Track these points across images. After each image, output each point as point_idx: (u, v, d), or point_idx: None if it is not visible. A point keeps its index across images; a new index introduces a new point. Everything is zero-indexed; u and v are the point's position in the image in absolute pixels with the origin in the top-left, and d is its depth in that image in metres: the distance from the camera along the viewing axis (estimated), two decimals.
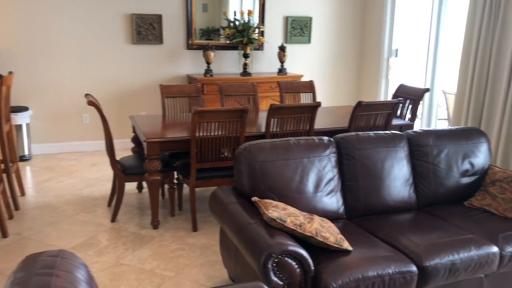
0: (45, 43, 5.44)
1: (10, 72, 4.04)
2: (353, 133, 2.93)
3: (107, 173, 4.94)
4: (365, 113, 3.84)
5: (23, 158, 5.37)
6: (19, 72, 5.39)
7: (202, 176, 3.57)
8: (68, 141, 5.78)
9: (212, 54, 5.88)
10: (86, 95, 3.75)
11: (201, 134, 3.42)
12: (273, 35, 6.44)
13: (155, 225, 3.63)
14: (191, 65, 6.13)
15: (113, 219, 3.76)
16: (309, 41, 6.63)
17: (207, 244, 3.39)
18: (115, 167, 3.68)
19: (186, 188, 4.27)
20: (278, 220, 2.22)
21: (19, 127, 5.29)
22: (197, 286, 2.84)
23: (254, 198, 2.49)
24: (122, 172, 3.70)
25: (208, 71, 5.91)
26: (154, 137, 3.47)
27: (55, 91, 5.59)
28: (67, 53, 5.55)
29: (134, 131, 4.24)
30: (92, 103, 3.52)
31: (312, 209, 2.63)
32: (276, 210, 2.28)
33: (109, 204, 4.08)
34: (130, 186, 4.48)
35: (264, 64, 6.47)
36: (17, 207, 3.94)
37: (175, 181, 3.90)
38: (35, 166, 5.19)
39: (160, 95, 4.53)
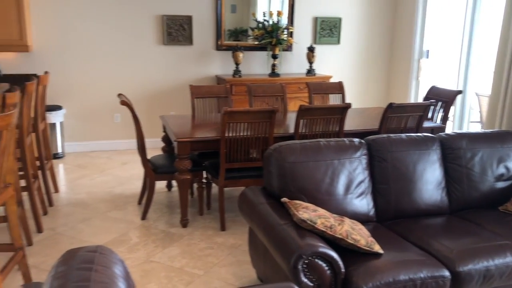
0: (79, 44, 5.58)
1: (46, 72, 4.16)
2: (384, 135, 2.90)
3: (138, 171, 5.03)
4: (396, 115, 3.79)
5: (56, 156, 5.52)
6: (54, 72, 5.55)
7: (231, 176, 3.59)
8: (99, 140, 5.90)
9: (241, 55, 5.91)
10: (119, 95, 3.82)
11: (230, 135, 3.45)
12: (302, 36, 6.42)
13: (184, 223, 3.68)
14: (220, 65, 6.18)
15: (144, 217, 3.83)
16: (338, 42, 6.58)
17: (236, 244, 3.41)
18: (147, 165, 3.75)
19: (214, 188, 4.30)
20: (309, 222, 2.21)
21: (53, 125, 5.44)
22: (226, 285, 2.86)
23: (284, 199, 2.50)
24: (153, 170, 3.76)
25: (236, 72, 5.94)
26: (184, 137, 3.52)
27: (88, 90, 5.72)
28: (100, 54, 5.68)
29: (164, 131, 4.30)
30: (125, 103, 3.59)
31: (342, 211, 2.61)
32: (307, 211, 2.27)
33: (140, 202, 4.15)
34: (160, 185, 4.54)
35: (293, 65, 6.46)
36: (51, 203, 4.05)
37: (204, 181, 3.93)
38: (68, 163, 5.33)
39: (190, 95, 4.58)
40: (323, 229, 2.21)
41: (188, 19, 5.90)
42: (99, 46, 5.66)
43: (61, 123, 5.54)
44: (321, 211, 2.35)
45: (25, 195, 3.66)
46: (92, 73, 5.70)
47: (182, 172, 3.57)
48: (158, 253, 3.26)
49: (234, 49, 5.91)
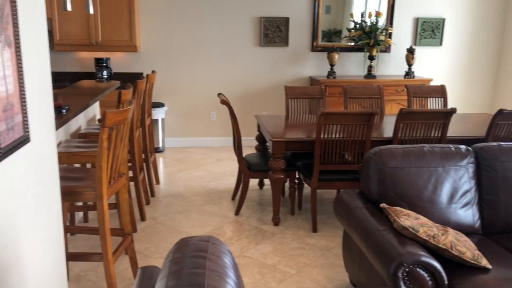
0: (181, 46, 5.89)
1: (153, 71, 4.44)
2: (494, 143, 2.71)
3: (231, 168, 5.19)
4: (507, 122, 3.52)
5: (157, 150, 5.87)
6: (157, 72, 5.91)
7: (324, 178, 3.57)
8: (196, 137, 6.18)
9: (336, 56, 5.85)
10: (219, 94, 3.98)
11: (325, 136, 3.43)
12: (401, 37, 6.20)
13: (276, 222, 3.73)
14: (314, 67, 6.17)
15: (237, 212, 3.94)
16: (440, 44, 6.26)
17: (328, 246, 3.39)
18: (242, 163, 3.85)
19: (305, 188, 4.31)
20: (410, 229, 2.14)
21: (155, 121, 5.79)
22: (318, 286, 2.86)
23: (383, 205, 2.44)
24: (248, 168, 3.86)
25: (331, 73, 5.89)
26: (279, 137, 3.57)
27: (187, 89, 6.02)
28: (200, 55, 5.94)
29: (258, 130, 4.39)
30: (225, 102, 3.73)
31: (445, 221, 2.49)
32: (408, 218, 2.20)
33: (233, 198, 4.29)
34: (252, 182, 4.65)
35: (390, 66, 6.27)
36: (153, 194, 4.32)
37: (296, 181, 3.96)
38: (167, 158, 5.65)
39: (285, 96, 4.63)
40: (426, 238, 2.13)
41: (285, 20, 5.97)
42: (200, 47, 5.92)
43: (163, 120, 5.89)
44: (423, 219, 2.26)
45: (131, 185, 3.95)
46: (192, 73, 5.99)
47: (276, 171, 3.62)
48: (251, 248, 3.34)
49: (329, 50, 5.88)
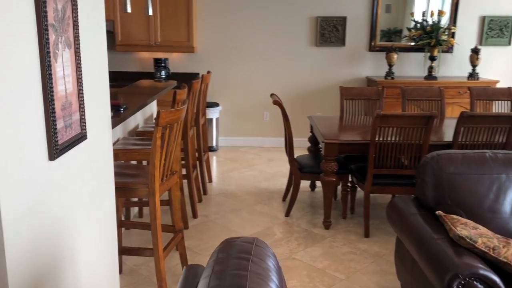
0: (237, 46, 5.94)
1: (208, 72, 4.51)
2: None
3: (283, 169, 5.17)
4: None
5: (211, 149, 5.96)
6: (213, 72, 6.00)
7: (378, 182, 3.47)
8: (249, 136, 6.21)
9: (395, 56, 5.68)
10: (272, 95, 3.97)
11: (381, 139, 3.33)
12: (466, 36, 5.91)
13: (326, 225, 3.67)
14: (371, 67, 6.02)
15: (287, 214, 3.92)
16: (509, 43, 5.91)
17: (380, 253, 3.29)
18: (293, 164, 3.83)
19: (358, 192, 4.21)
20: (468, 240, 2.03)
21: (210, 121, 5.89)
22: None
23: (439, 212, 2.33)
24: (299, 169, 3.83)
25: (389, 74, 5.72)
26: (332, 138, 3.51)
27: (242, 89, 6.07)
28: (255, 55, 5.97)
29: (311, 131, 4.34)
30: (277, 102, 3.71)
31: (507, 233, 2.33)
32: (466, 228, 2.09)
33: (284, 199, 4.27)
34: (303, 184, 4.60)
35: (452, 67, 5.99)
36: (205, 192, 4.39)
37: (349, 184, 3.87)
38: (220, 156, 5.72)
39: (340, 96, 4.55)
40: (485, 250, 2.01)
41: (342, 20, 5.87)
42: (255, 47, 5.95)
43: (217, 119, 5.97)
44: (483, 229, 2.14)
45: (184, 182, 4.03)
46: (247, 73, 6.03)
47: (328, 174, 3.56)
48: (300, 251, 3.31)
49: (388, 50, 5.71)
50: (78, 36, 1.72)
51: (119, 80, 5.62)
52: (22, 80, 1.39)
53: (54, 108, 1.53)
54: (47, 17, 1.47)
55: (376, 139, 3.33)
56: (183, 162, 3.84)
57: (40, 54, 1.46)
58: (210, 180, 4.74)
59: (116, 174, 2.57)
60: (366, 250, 3.33)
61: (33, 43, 1.43)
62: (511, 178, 2.39)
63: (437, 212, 2.34)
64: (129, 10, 3.70)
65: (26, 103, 1.42)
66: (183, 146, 3.72)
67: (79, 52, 1.73)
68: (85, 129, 1.80)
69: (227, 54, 5.97)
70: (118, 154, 3.03)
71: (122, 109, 2.99)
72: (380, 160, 3.40)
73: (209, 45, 5.96)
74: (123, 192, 2.44)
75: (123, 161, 3.15)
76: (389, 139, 3.34)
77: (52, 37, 1.52)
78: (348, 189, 3.86)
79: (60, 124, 1.59)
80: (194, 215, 3.85)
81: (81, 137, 1.77)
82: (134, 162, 3.49)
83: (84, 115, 1.78)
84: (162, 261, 2.48)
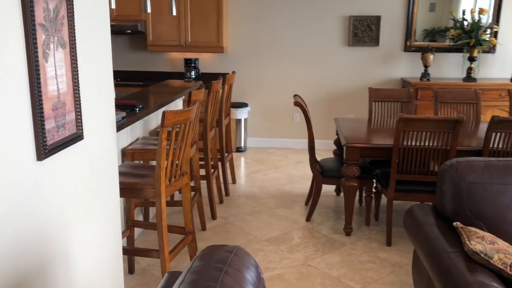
0: (267, 46, 5.88)
1: (233, 72, 4.47)
2: None
3: (309, 171, 5.03)
4: None
5: (239, 150, 5.93)
6: (243, 72, 5.97)
7: (402, 189, 3.31)
8: (278, 138, 6.13)
9: (431, 56, 5.44)
10: (295, 96, 3.88)
11: (405, 143, 3.18)
12: (510, 36, 5.58)
13: (347, 231, 3.55)
14: (406, 68, 5.80)
15: (308, 218, 3.82)
16: None
17: (401, 263, 3.14)
18: (314, 168, 3.72)
19: (384, 198, 4.05)
20: (482, 255, 1.87)
21: (238, 121, 5.86)
22: None
23: (457, 224, 2.17)
24: (321, 173, 3.72)
25: (425, 75, 5.49)
26: (354, 141, 3.38)
27: (271, 90, 6.00)
28: (285, 55, 5.89)
29: (337, 134, 4.22)
30: (298, 103, 3.62)
31: None
32: (481, 242, 1.93)
33: (307, 203, 4.17)
34: (329, 188, 4.49)
35: (494, 69, 5.68)
36: (227, 193, 4.35)
37: (373, 190, 3.73)
38: (248, 157, 5.68)
39: (368, 98, 4.40)
40: (501, 267, 1.85)
41: (376, 19, 5.68)
42: (285, 47, 5.87)
43: (245, 120, 5.93)
44: (502, 244, 1.97)
45: (203, 183, 4.01)
46: (277, 73, 5.95)
47: (349, 179, 3.44)
48: (317, 257, 3.20)
49: (423, 50, 5.48)
50: (74, 36, 1.71)
51: (150, 80, 5.70)
52: (9, 81, 1.39)
53: (42, 108, 1.52)
54: (34, 17, 1.46)
55: (400, 143, 3.18)
56: (202, 162, 3.83)
57: (27, 54, 1.46)
58: (234, 181, 4.71)
59: (126, 174, 2.57)
60: (386, 259, 3.19)
61: (20, 43, 1.43)
62: None
63: (454, 224, 2.19)
64: (149, 10, 3.72)
65: (13, 104, 1.42)
66: (202, 147, 3.70)
67: (75, 52, 1.72)
68: (81, 129, 1.79)
69: (258, 54, 5.92)
70: (134, 154, 3.05)
71: (137, 109, 2.99)
72: (404, 166, 3.25)
73: (239, 45, 5.93)
74: (130, 192, 2.43)
75: (137, 161, 3.16)
76: (413, 143, 3.18)
77: (41, 37, 1.51)
78: (372, 195, 3.71)
79: (50, 124, 1.58)
80: (213, 217, 3.82)
81: (76, 137, 1.76)
82: (153, 162, 3.50)
83: (80, 115, 1.77)
84: (168, 262, 2.45)
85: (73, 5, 1.70)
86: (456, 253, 1.99)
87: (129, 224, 2.86)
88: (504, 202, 2.20)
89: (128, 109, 2.95)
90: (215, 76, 5.95)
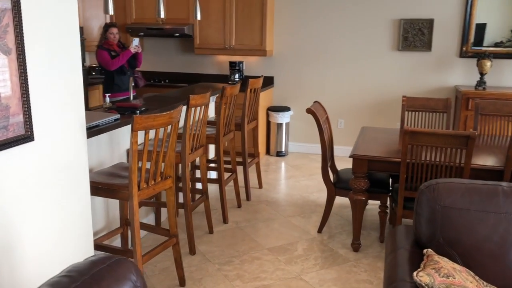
0: (313, 50, 5.76)
1: (259, 76, 4.44)
2: None
3: None
4: None
5: (279, 154, 5.88)
6: (287, 76, 5.91)
7: (412, 207, 3.07)
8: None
9: (488, 63, 4.98)
10: (314, 102, 3.78)
11: (414, 158, 2.94)
12: None
13: (355, 247, 3.36)
14: (462, 75, 5.36)
15: (320, 230, 3.69)
16: None
17: None
18: (326, 178, 3.58)
19: None
20: None
21: (279, 125, 5.80)
22: None
23: (427, 251, 1.97)
24: (334, 184, 3.57)
25: (480, 83, 5.04)
26: (363, 153, 3.20)
27: (315, 94, 5.86)
28: (331, 59, 5.73)
29: None
30: (311, 110, 3.51)
31: (510, 286, 1.89)
32: (432, 274, 1.73)
33: None
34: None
35: None
36: (248, 198, 4.33)
37: (387, 205, 3.50)
38: (287, 162, 5.60)
39: (401, 107, 4.14)
40: None
41: (429, 22, 5.32)
42: (331, 51, 5.70)
43: (287, 124, 5.86)
44: (460, 279, 1.75)
45: (215, 186, 4.02)
46: (322, 77, 5.81)
47: (357, 192, 3.26)
48: (313, 272, 3.08)
49: (479, 57, 5.03)
50: (22, 43, 1.81)
51: (195, 82, 5.85)
52: None
53: None
54: None
55: (409, 158, 2.95)
56: (214, 165, 3.85)
57: None
58: (261, 186, 4.67)
59: (111, 174, 2.67)
60: None
61: None
62: None
63: (425, 251, 1.99)
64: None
65: None
66: (215, 150, 3.72)
67: (23, 58, 1.82)
68: (31, 131, 1.90)
69: (303, 58, 5.83)
70: (139, 155, 3.14)
71: (138, 111, 3.09)
72: (413, 182, 3.01)
73: (285, 49, 5.88)
74: (107, 192, 2.52)
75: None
76: (423, 159, 2.93)
77: None
78: (387, 210, 3.49)
79: None
80: (224, 220, 3.82)
81: (24, 138, 1.87)
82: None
83: (29, 118, 1.88)
84: (141, 263, 2.50)
85: (21, 13, 1.80)
86: (412, 283, 1.80)
87: (122, 223, 2.97)
88: (482, 231, 1.96)
89: (128, 111, 3.05)
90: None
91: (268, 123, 5.87)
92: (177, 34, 5.88)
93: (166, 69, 6.37)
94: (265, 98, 5.82)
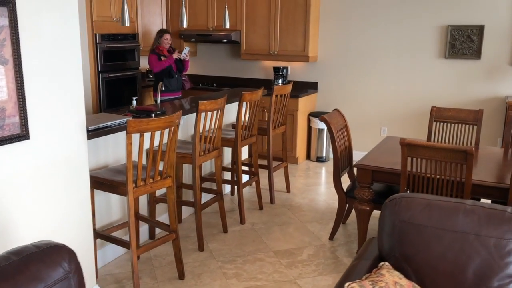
0: (357, 56, 5.72)
1: (288, 82, 4.54)
2: None
3: None
4: None
5: (319, 159, 5.90)
6: (330, 81, 5.91)
7: None
8: (363, 151, 5.89)
9: None
10: (334, 110, 3.80)
11: (413, 170, 2.89)
12: None
13: None
14: None
15: (331, 237, 3.70)
16: None
17: None
18: (338, 186, 3.59)
19: None
20: None
21: (321, 131, 5.83)
22: None
23: (383, 264, 1.98)
24: (345, 193, 3.57)
25: None
26: (368, 163, 3.18)
27: (359, 101, 5.81)
28: (375, 66, 5.65)
29: None
30: (323, 119, 3.54)
31: None
32: (367, 286, 1.75)
33: (344, 221, 4.02)
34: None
35: None
36: (272, 201, 4.44)
37: None
38: (325, 168, 5.62)
39: (429, 117, 4.02)
40: None
41: (479, 29, 5.07)
42: (375, 58, 5.63)
43: None
44: None
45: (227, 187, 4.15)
46: (366, 84, 5.75)
47: (362, 202, 3.25)
48: (309, 277, 3.13)
49: None
50: (19, 54, 2.10)
51: (240, 86, 6.06)
52: None
53: None
54: None
55: (409, 169, 2.90)
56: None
57: None
58: (288, 191, 4.75)
59: (117, 171, 2.94)
60: None
61: None
62: (482, 240, 1.86)
63: (380, 264, 2.00)
64: (185, 25, 4.03)
65: None
66: (231, 153, 3.88)
67: (20, 67, 2.12)
68: (26, 130, 2.19)
69: (347, 64, 5.81)
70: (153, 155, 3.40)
71: (153, 115, 3.34)
72: None
73: (330, 55, 5.89)
74: (108, 187, 2.78)
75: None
76: (423, 172, 2.87)
77: None
78: None
79: None
80: (242, 221, 3.97)
81: (19, 136, 2.16)
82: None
83: (25, 119, 2.17)
84: (135, 255, 2.73)
85: (17, 29, 2.09)
86: None
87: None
88: (437, 248, 1.93)
89: (144, 114, 3.31)
90: (303, 84, 6.03)
91: (310, 128, 5.92)
92: (225, 40, 6.13)
93: (216, 73, 6.65)
94: (308, 103, 5.88)
